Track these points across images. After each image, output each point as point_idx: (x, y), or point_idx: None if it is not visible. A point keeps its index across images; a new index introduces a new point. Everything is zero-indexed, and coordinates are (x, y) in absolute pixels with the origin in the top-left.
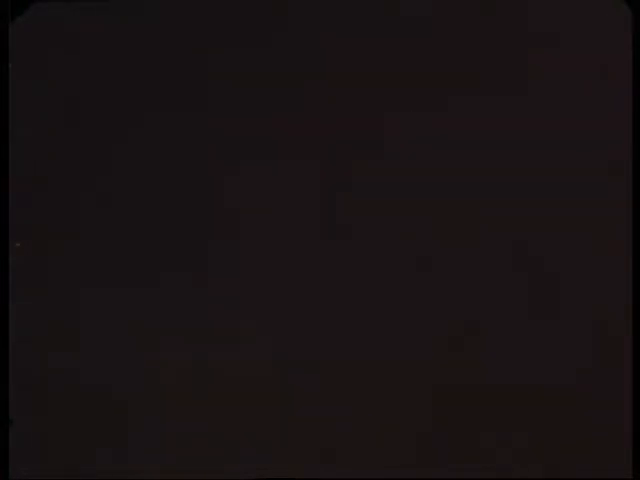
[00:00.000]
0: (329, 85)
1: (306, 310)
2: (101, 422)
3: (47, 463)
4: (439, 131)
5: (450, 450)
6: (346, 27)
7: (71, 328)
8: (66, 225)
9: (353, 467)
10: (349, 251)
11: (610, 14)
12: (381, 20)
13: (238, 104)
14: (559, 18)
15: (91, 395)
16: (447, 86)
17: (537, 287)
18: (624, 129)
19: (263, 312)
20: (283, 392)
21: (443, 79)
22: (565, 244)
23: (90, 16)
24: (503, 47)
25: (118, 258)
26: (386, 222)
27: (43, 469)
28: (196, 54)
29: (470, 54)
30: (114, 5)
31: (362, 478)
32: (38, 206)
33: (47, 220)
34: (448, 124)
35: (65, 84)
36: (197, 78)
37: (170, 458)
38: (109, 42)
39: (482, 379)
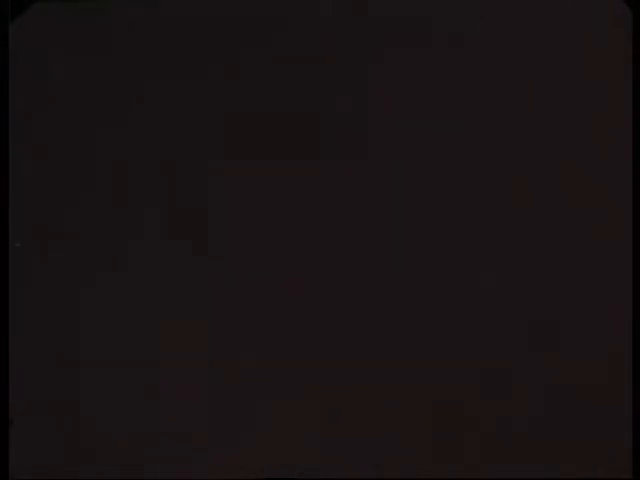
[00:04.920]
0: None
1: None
2: (102, 422)
3: (47, 463)
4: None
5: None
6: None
7: (71, 328)
8: (66, 225)
9: (353, 466)
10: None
11: (610, 14)
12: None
13: (242, 100)
14: (558, 18)
15: (91, 392)
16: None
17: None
18: (624, 129)
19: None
20: (281, 391)
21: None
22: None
23: (90, 16)
24: (502, 47)
25: (118, 257)
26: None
27: (43, 469)
28: (197, 54)
29: (466, 61)
30: (114, 5)
31: (362, 478)
32: (38, 206)
33: (47, 220)
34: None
35: (65, 84)
36: (198, 77)
37: (171, 457)
38: (109, 42)
39: (480, 381)
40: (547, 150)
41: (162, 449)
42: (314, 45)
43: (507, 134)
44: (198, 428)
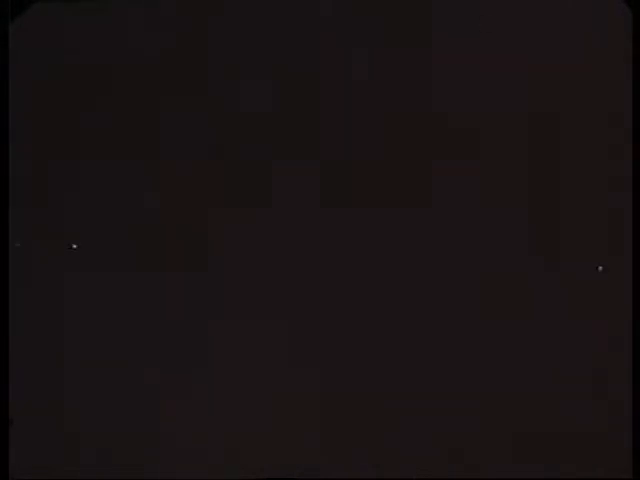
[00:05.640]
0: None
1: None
2: (102, 422)
3: (47, 463)
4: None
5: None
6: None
7: (71, 328)
8: (66, 225)
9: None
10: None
11: (610, 14)
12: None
13: (242, 101)
14: (558, 18)
15: (91, 392)
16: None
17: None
18: (624, 129)
19: (267, 302)
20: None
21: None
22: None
23: (90, 16)
24: (501, 46)
25: (119, 258)
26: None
27: (43, 469)
28: (196, 54)
29: (466, 61)
30: (114, 5)
31: (362, 478)
32: (38, 206)
33: (47, 220)
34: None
35: (65, 84)
36: (198, 78)
37: (171, 457)
38: (109, 42)
39: (480, 381)
40: (547, 150)
41: (162, 449)
42: (314, 45)
43: (507, 135)
44: (198, 428)
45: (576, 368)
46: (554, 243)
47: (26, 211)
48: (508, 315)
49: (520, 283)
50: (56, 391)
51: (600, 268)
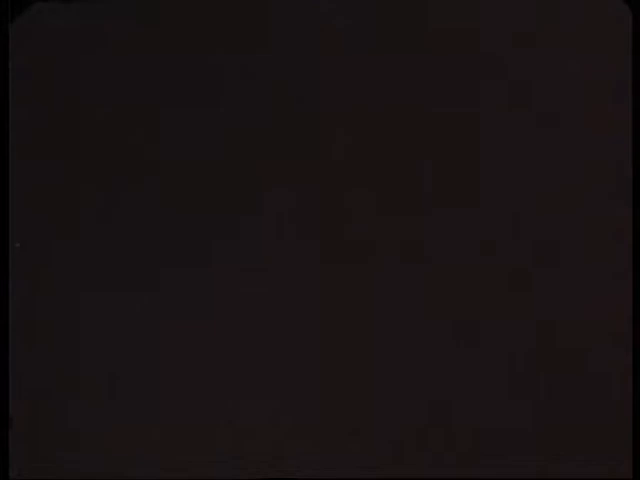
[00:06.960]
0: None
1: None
2: (102, 422)
3: (47, 463)
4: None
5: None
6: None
7: (71, 328)
8: (67, 226)
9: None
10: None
11: (610, 14)
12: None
13: (241, 101)
14: (558, 18)
15: (92, 395)
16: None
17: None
18: (624, 129)
19: (270, 306)
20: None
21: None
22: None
23: (90, 16)
24: (501, 47)
25: (119, 260)
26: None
27: (43, 469)
28: (199, 54)
29: (465, 62)
30: (115, 5)
31: (363, 478)
32: (38, 206)
33: (47, 220)
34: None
35: (65, 84)
36: (199, 78)
37: (171, 458)
38: (109, 42)
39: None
40: (547, 151)
41: (162, 449)
42: (314, 45)
43: (507, 135)
44: (198, 428)
45: (576, 368)
46: (554, 243)
47: (26, 211)
48: (507, 314)
49: (519, 281)
50: (56, 391)
51: None
